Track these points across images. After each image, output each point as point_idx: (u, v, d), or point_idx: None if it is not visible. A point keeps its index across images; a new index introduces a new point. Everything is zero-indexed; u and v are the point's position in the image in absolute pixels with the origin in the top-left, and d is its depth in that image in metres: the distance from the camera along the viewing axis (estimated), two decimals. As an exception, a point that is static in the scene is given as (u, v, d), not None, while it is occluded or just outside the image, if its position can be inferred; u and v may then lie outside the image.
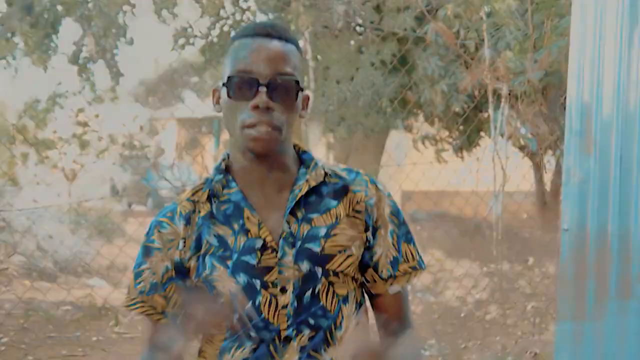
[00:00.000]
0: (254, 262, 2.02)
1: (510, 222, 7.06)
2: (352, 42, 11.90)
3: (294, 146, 2.16)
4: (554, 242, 6.83)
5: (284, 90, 2.01)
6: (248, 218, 2.05)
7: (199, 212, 2.10)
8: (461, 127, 11.53)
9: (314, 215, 2.07)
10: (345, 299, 2.08)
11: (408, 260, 2.15)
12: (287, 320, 2.02)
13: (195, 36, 17.56)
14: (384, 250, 2.12)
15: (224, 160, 2.15)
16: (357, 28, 11.41)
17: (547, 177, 15.21)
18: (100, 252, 6.19)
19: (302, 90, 2.06)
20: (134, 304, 2.11)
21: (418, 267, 2.17)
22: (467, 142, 11.80)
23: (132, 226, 9.01)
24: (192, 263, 2.07)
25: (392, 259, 2.13)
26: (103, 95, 17.71)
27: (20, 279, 8.62)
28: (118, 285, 8.15)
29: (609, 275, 2.78)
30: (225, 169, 2.13)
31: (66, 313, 6.54)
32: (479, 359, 5.57)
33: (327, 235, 2.05)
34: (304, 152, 2.17)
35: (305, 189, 2.07)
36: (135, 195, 22.94)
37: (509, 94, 5.14)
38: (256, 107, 1.97)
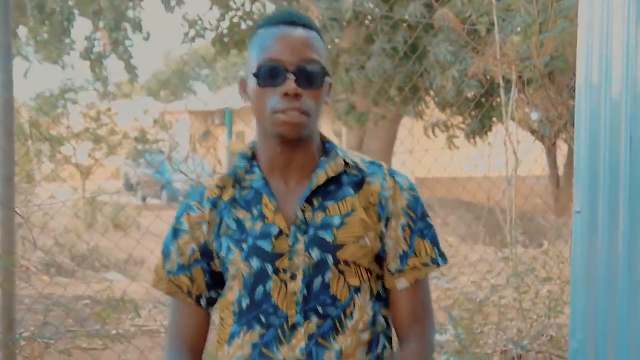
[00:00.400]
0: (268, 248, 2.05)
1: (524, 206, 7.07)
2: (362, 31, 11.90)
3: (320, 135, 2.19)
4: (568, 225, 6.83)
5: (311, 77, 2.04)
6: (266, 205, 2.09)
7: (223, 197, 2.15)
8: (473, 113, 11.52)
9: (330, 204, 2.08)
10: (358, 290, 2.08)
11: (419, 255, 2.14)
12: (296, 307, 2.04)
13: (206, 29, 17.62)
14: (394, 243, 2.12)
15: (251, 148, 2.19)
16: (367, 17, 11.40)
17: (560, 161, 15.23)
18: (118, 246, 6.22)
19: (329, 75, 2.09)
20: (162, 283, 2.20)
21: (431, 263, 2.15)
22: (479, 127, 11.78)
23: (147, 220, 9.05)
24: (215, 245, 2.12)
25: (401, 253, 2.13)
26: (116, 90, 17.78)
27: (39, 274, 8.70)
28: (136, 278, 8.21)
29: (621, 257, 2.80)
30: (252, 156, 2.17)
31: (86, 307, 6.60)
32: (495, 343, 5.60)
33: (341, 225, 2.06)
34: (328, 141, 2.19)
35: (323, 179, 2.09)
36: (150, 189, 23.03)
37: (519, 79, 5.14)
38: (286, 94, 2.01)
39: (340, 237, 2.05)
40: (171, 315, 2.24)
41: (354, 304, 2.06)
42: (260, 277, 2.05)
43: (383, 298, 2.15)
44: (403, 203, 2.14)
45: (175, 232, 2.19)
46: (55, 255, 9.76)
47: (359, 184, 2.13)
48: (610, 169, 2.82)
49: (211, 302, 2.21)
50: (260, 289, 2.06)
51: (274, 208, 2.08)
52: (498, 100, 10.00)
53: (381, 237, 2.11)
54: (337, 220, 2.06)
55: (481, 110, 10.91)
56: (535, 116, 6.37)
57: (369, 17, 11.38)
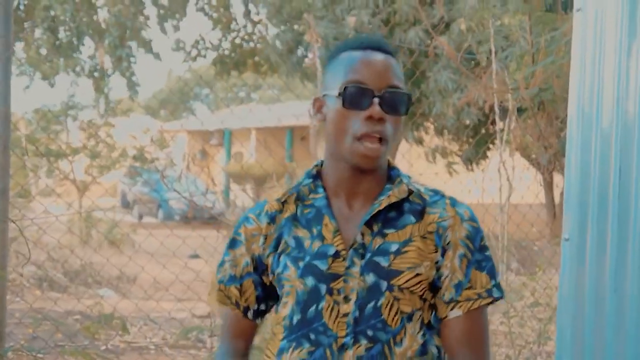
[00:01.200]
0: (323, 267, 2.06)
1: (516, 233, 7.08)
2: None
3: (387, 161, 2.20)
4: (558, 253, 6.84)
5: (396, 103, 2.06)
6: (326, 225, 2.10)
7: (284, 213, 2.16)
8: (470, 140, 11.56)
9: (390, 231, 2.09)
10: (410, 317, 2.07)
11: (474, 287, 2.11)
12: (346, 329, 2.03)
13: (207, 48, 17.70)
14: (449, 272, 2.10)
15: (316, 166, 2.20)
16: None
17: (557, 190, 15.24)
18: (109, 263, 6.24)
19: (411, 104, 2.10)
20: (214, 291, 2.25)
21: (486, 295, 2.12)
22: (476, 154, 11.82)
23: (142, 237, 9.07)
24: (270, 260, 2.14)
25: (456, 282, 2.10)
26: (116, 107, 17.82)
27: (32, 288, 8.69)
28: (127, 294, 8.21)
29: (608, 284, 2.82)
30: (317, 175, 2.19)
31: (76, 322, 6.60)
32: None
33: (398, 252, 2.06)
34: (393, 167, 2.20)
35: (384, 204, 2.09)
36: (146, 207, 23.04)
37: (514, 108, 5.18)
38: (370, 118, 2.02)
39: (395, 264, 2.05)
40: (222, 319, 2.30)
41: (405, 331, 2.06)
42: (314, 296, 2.07)
43: (434, 328, 2.13)
44: (462, 233, 2.12)
45: (233, 242, 2.22)
46: (49, 269, 9.76)
47: (420, 213, 2.13)
48: (599, 198, 2.85)
49: (259, 314, 2.25)
50: (312, 308, 2.07)
51: (334, 229, 2.09)
52: (495, 127, 10.02)
53: (437, 267, 2.10)
54: (394, 247, 2.07)
55: (478, 137, 10.95)
56: (529, 144, 6.41)
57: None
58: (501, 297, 2.17)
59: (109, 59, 17.10)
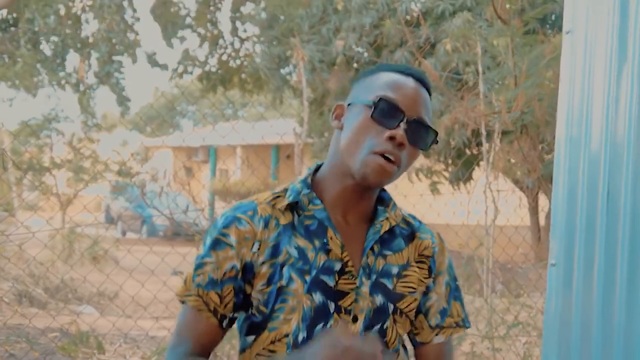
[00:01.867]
0: (331, 283, 2.01)
1: (501, 256, 7.05)
2: (350, 74, 11.98)
3: None
4: (543, 277, 6.81)
5: (421, 135, 2.03)
6: (331, 238, 2.04)
7: (278, 219, 2.05)
8: (457, 160, 11.57)
9: (388, 253, 2.09)
10: (402, 340, 2.12)
11: (453, 315, 2.19)
12: None
13: (195, 65, 17.69)
14: (437, 298, 2.16)
15: (308, 174, 2.14)
16: (355, 62, 11.48)
17: (542, 213, 15.24)
18: (90, 279, 6.17)
19: (435, 142, 2.07)
20: (189, 295, 2.03)
21: (462, 324, 2.21)
22: (462, 175, 11.83)
23: (122, 253, 9.00)
24: (264, 269, 2.01)
25: (441, 309, 2.17)
26: (100, 121, 17.80)
27: (11, 305, 8.59)
28: (107, 312, 8.13)
29: (595, 311, 2.78)
30: (312, 185, 2.12)
31: (53, 340, 6.50)
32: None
33: (399, 275, 2.09)
34: (383, 190, 2.18)
35: (386, 227, 2.09)
36: (129, 223, 22.94)
37: (496, 131, 5.16)
38: (392, 138, 1.98)
39: (399, 288, 2.08)
40: (186, 320, 2.05)
41: (398, 354, 2.09)
42: (321, 314, 2.00)
43: (406, 349, 2.18)
44: (446, 262, 2.21)
45: (217, 243, 2.02)
46: (28, 285, 9.66)
47: (408, 237, 2.16)
48: (587, 223, 2.81)
49: (232, 323, 2.08)
50: (320, 326, 2.00)
51: (340, 243, 2.04)
52: (480, 149, 10.05)
53: (425, 291, 2.15)
54: (395, 270, 2.08)
55: (464, 158, 10.96)
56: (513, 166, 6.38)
57: (357, 61, 11.45)
58: (468, 327, 2.26)
59: (94, 73, 17.08)
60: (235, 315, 2.07)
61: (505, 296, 7.19)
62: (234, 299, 2.03)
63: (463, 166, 11.08)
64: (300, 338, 2.00)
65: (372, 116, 1.99)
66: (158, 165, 20.00)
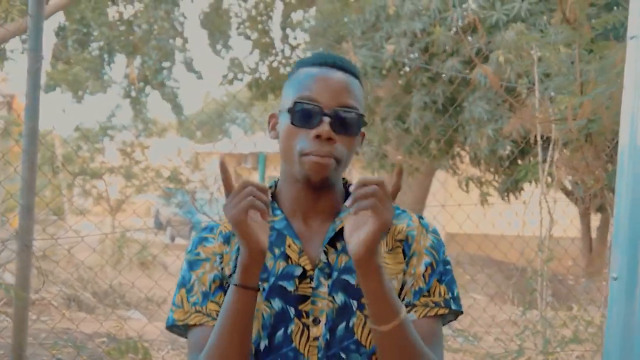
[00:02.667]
0: (291, 288, 1.99)
1: (556, 268, 6.93)
2: (400, 81, 11.93)
3: (343, 180, 2.15)
4: (600, 290, 6.69)
5: (347, 123, 1.99)
6: (290, 245, 2.03)
7: None
8: (507, 171, 11.45)
9: None
10: None
11: (432, 295, 2.05)
12: (318, 353, 1.96)
13: (244, 72, 17.75)
14: (413, 279, 2.05)
15: (270, 187, 2.13)
16: (405, 68, 11.43)
17: (594, 224, 15.06)
18: (138, 285, 6.15)
19: (364, 124, 2.03)
20: (189, 316, 2.05)
21: (443, 304, 2.05)
22: (513, 185, 11.71)
23: (171, 259, 9.00)
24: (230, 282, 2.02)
25: (416, 289, 2.04)
26: (152, 127, 17.93)
27: (59, 309, 8.63)
28: (154, 318, 8.12)
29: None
30: (272, 197, 2.11)
31: (100, 345, 6.50)
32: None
33: None
34: (351, 185, 2.09)
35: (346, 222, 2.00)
36: (178, 229, 23.06)
37: (557, 139, 5.06)
38: (318, 137, 1.96)
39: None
40: (195, 339, 2.04)
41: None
42: (281, 319, 1.99)
43: None
44: (427, 243, 2.09)
45: (192, 264, 2.08)
46: (77, 289, 9.71)
47: None
48: (652, 235, 2.69)
49: None
50: (280, 332, 1.98)
51: (298, 249, 2.02)
52: (531, 159, 9.94)
53: (403, 274, 2.06)
54: None
55: (515, 168, 10.83)
56: (570, 177, 6.27)
57: (407, 68, 11.39)
58: (459, 311, 2.11)
59: (145, 79, 17.19)
60: None
61: (555, 309, 7.09)
62: None
63: (513, 177, 10.96)
64: (262, 346, 2.00)
65: (292, 123, 1.99)
66: (208, 171, 20.07)
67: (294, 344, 1.97)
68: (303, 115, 1.98)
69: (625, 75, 2.84)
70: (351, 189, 1.79)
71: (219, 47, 18.32)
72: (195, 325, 2.04)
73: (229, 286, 1.98)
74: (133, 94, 17.70)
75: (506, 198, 12.12)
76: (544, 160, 5.24)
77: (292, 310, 1.98)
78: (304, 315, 1.98)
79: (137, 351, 4.85)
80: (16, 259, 4.10)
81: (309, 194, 2.04)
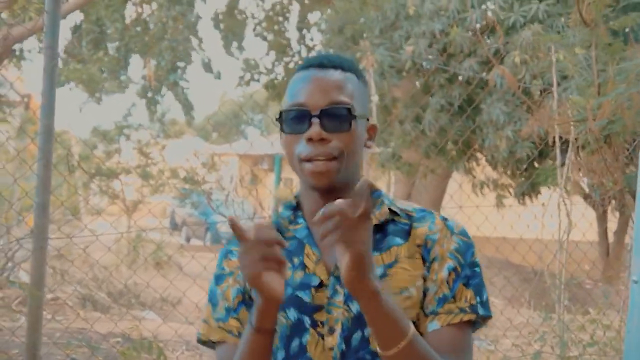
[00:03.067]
0: (307, 298, 1.96)
1: (574, 271, 6.88)
2: (417, 83, 11.90)
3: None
4: (618, 294, 6.64)
5: (337, 120, 1.95)
6: (308, 254, 2.01)
7: None
8: (524, 173, 11.40)
9: (374, 254, 1.92)
10: None
11: (458, 300, 1.97)
12: None
13: (261, 73, 17.76)
14: (434, 286, 1.97)
15: (295, 197, 2.13)
16: (423, 69, 11.39)
17: (611, 227, 14.97)
18: (153, 285, 6.14)
19: (354, 118, 1.97)
20: (212, 332, 2.09)
21: (469, 310, 1.96)
22: (530, 188, 11.66)
23: (186, 259, 8.98)
24: (253, 294, 1.97)
25: (440, 295, 1.96)
26: (167, 128, 17.96)
27: (75, 308, 8.63)
28: (169, 318, 8.11)
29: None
30: (297, 205, 2.10)
31: (115, 345, 6.49)
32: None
33: (383, 275, 1.95)
34: (375, 190, 2.08)
35: None
36: (194, 229, 23.07)
37: (575, 141, 5.02)
38: (310, 140, 1.93)
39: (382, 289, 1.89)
40: (220, 357, 2.09)
41: None
42: (297, 329, 1.97)
43: None
44: (451, 246, 2.00)
45: (217, 279, 2.11)
46: (92, 289, 9.70)
47: (407, 232, 2.02)
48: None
49: None
50: (296, 342, 1.96)
51: (316, 258, 1.99)
52: (549, 162, 9.89)
53: (424, 281, 1.98)
54: (378, 271, 1.91)
55: (532, 171, 10.79)
56: (585, 180, 6.22)
57: (426, 68, 11.35)
58: (488, 316, 2.02)
59: (159, 79, 17.24)
60: None
61: (571, 313, 7.05)
62: None
63: (530, 180, 10.93)
64: (279, 357, 1.99)
65: (282, 131, 2.00)
66: (224, 172, 20.09)
67: (308, 354, 1.95)
68: (292, 122, 1.97)
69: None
70: (314, 219, 1.74)
71: (232, 48, 18.34)
72: (218, 341, 2.07)
73: (251, 301, 1.99)
74: (149, 94, 17.74)
75: (522, 201, 12.07)
76: (563, 164, 5.19)
77: (307, 320, 1.96)
78: (320, 324, 1.95)
79: (152, 351, 4.84)
80: (31, 258, 4.09)
81: (324, 200, 1.97)
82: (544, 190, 11.49)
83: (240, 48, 18.45)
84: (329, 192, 1.97)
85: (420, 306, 1.97)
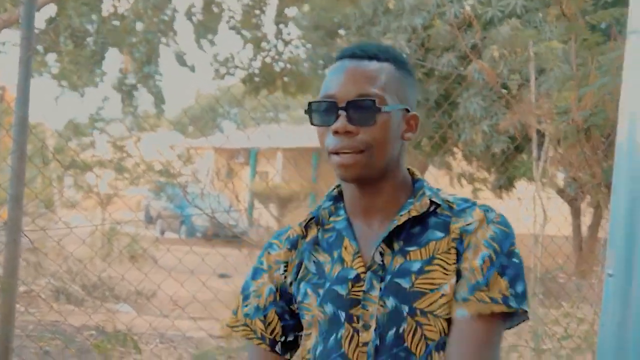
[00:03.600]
0: (343, 292, 1.93)
1: (549, 265, 6.91)
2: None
3: (410, 173, 2.04)
4: (591, 287, 6.68)
5: (363, 113, 1.90)
6: (346, 247, 1.97)
7: (305, 237, 2.05)
8: (500, 168, 11.45)
9: (412, 249, 1.92)
10: (437, 345, 1.89)
11: (491, 289, 1.87)
12: (367, 359, 1.89)
13: (237, 67, 17.70)
14: (468, 273, 1.89)
15: (337, 187, 2.09)
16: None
17: (584, 222, 15.06)
18: (127, 278, 6.11)
19: (379, 110, 1.90)
20: (237, 326, 2.10)
21: (501, 301, 1.86)
22: (506, 182, 11.71)
23: (161, 252, 8.95)
24: (294, 289, 2.03)
25: (473, 282, 1.88)
26: (143, 121, 17.88)
27: (48, 301, 8.58)
28: (144, 311, 8.08)
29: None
30: (338, 196, 2.06)
31: (88, 338, 6.45)
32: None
33: (421, 271, 1.90)
34: (417, 180, 2.04)
35: (403, 220, 1.93)
36: (169, 223, 23.03)
37: (552, 135, 5.03)
38: (337, 132, 1.90)
39: (418, 285, 1.89)
40: (248, 354, 2.13)
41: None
42: (333, 324, 1.94)
43: None
44: (486, 234, 1.91)
45: (255, 272, 2.10)
46: (66, 283, 9.65)
47: (447, 225, 1.95)
48: (649, 232, 2.66)
49: (289, 347, 2.08)
50: (332, 337, 1.94)
51: (354, 251, 1.95)
52: (525, 156, 9.93)
53: (457, 273, 1.90)
54: (416, 266, 1.90)
55: (509, 165, 10.83)
56: (562, 174, 6.23)
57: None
58: (521, 310, 1.91)
59: (136, 73, 17.16)
60: (290, 338, 2.08)
61: (546, 306, 7.08)
62: (279, 322, 2.06)
63: (506, 174, 10.97)
64: (318, 351, 1.96)
65: (312, 123, 1.97)
66: (200, 165, 20.03)
67: (343, 349, 1.92)
68: (320, 115, 1.94)
69: (625, 70, 2.81)
70: None
71: (205, 41, 18.25)
72: (245, 337, 2.09)
73: (289, 297, 2.03)
74: (124, 87, 17.64)
75: (498, 195, 12.13)
76: (539, 157, 5.22)
77: (342, 315, 1.93)
78: (355, 319, 1.92)
79: (126, 344, 4.82)
80: (4, 250, 4.06)
81: (359, 192, 1.97)
82: (519, 184, 11.54)
83: (212, 42, 18.34)
84: (364, 183, 1.95)
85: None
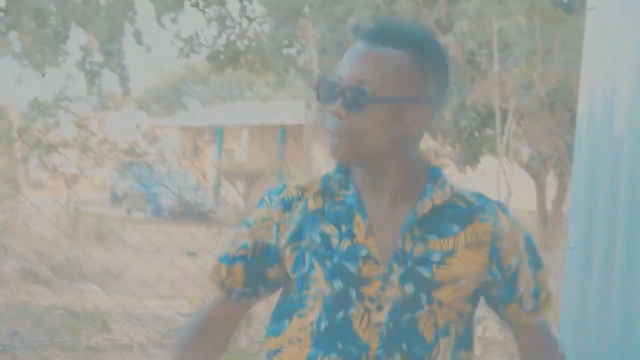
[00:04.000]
0: (354, 269, 1.91)
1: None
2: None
3: (423, 160, 2.01)
4: (555, 261, 6.76)
5: (352, 100, 1.88)
6: (358, 224, 1.93)
7: (307, 203, 1.99)
8: (464, 143, 11.49)
9: (432, 237, 1.91)
10: (445, 332, 1.93)
11: (543, 287, 2.02)
12: (379, 340, 1.89)
13: (201, 45, 17.60)
14: (524, 283, 1.98)
15: None
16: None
17: (549, 195, 15.17)
18: (95, 257, 6.12)
19: (366, 101, 1.87)
20: (213, 269, 2.08)
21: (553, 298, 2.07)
22: (471, 157, 11.75)
23: (128, 231, 8.95)
24: (288, 252, 1.98)
25: (533, 290, 1.99)
26: (108, 101, 17.77)
27: (16, 282, 8.56)
28: (112, 290, 8.08)
29: (615, 295, 2.71)
30: (349, 169, 2.01)
31: (58, 317, 6.46)
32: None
33: (441, 262, 1.90)
34: (433, 167, 2.00)
35: (428, 207, 1.92)
36: (135, 202, 22.96)
37: (516, 110, 5.08)
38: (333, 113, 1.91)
39: (439, 275, 1.89)
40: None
41: (438, 347, 1.92)
42: (342, 301, 1.92)
43: (465, 339, 2.00)
44: (521, 241, 1.98)
45: (244, 221, 2.09)
46: (33, 263, 9.62)
47: (466, 217, 1.94)
48: (608, 206, 2.73)
49: (246, 296, 2.08)
50: (340, 314, 1.92)
51: (365, 228, 1.92)
52: (490, 131, 9.99)
53: (491, 280, 1.96)
54: (437, 257, 1.90)
55: (473, 140, 10.88)
56: (525, 151, 6.27)
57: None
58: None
59: (100, 53, 17.03)
60: (249, 291, 2.06)
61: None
62: (243, 276, 2.04)
63: (471, 148, 11.02)
64: (322, 327, 1.93)
65: (318, 99, 1.95)
66: (165, 145, 19.97)
67: (353, 327, 1.91)
68: (324, 92, 1.93)
69: (585, 46, 2.87)
70: None
71: (167, 19, 18.10)
72: (210, 278, 2.08)
73: (273, 258, 2.01)
74: (88, 66, 17.50)
75: (463, 170, 12.17)
76: (502, 132, 5.26)
77: (353, 293, 1.91)
78: (366, 299, 1.90)
79: (95, 323, 4.83)
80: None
81: (364, 171, 1.96)
82: (485, 159, 11.60)
83: (174, 20, 18.20)
84: (358, 165, 1.95)
85: (495, 300, 2.02)
